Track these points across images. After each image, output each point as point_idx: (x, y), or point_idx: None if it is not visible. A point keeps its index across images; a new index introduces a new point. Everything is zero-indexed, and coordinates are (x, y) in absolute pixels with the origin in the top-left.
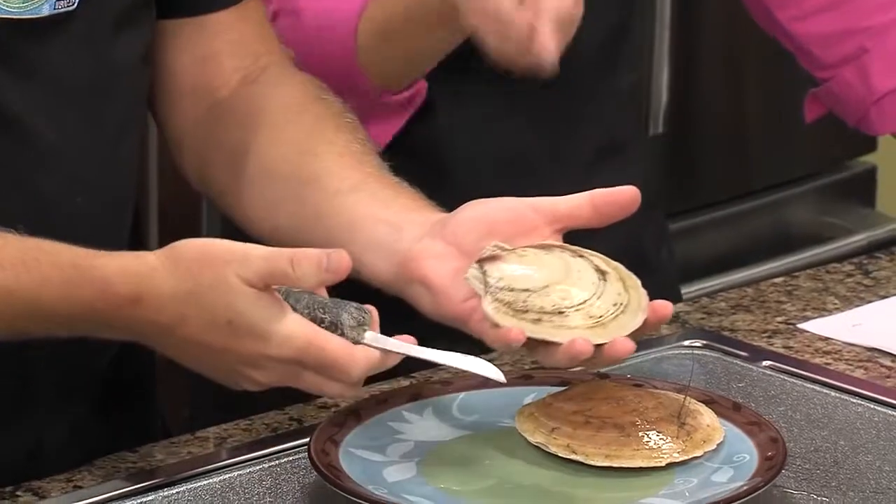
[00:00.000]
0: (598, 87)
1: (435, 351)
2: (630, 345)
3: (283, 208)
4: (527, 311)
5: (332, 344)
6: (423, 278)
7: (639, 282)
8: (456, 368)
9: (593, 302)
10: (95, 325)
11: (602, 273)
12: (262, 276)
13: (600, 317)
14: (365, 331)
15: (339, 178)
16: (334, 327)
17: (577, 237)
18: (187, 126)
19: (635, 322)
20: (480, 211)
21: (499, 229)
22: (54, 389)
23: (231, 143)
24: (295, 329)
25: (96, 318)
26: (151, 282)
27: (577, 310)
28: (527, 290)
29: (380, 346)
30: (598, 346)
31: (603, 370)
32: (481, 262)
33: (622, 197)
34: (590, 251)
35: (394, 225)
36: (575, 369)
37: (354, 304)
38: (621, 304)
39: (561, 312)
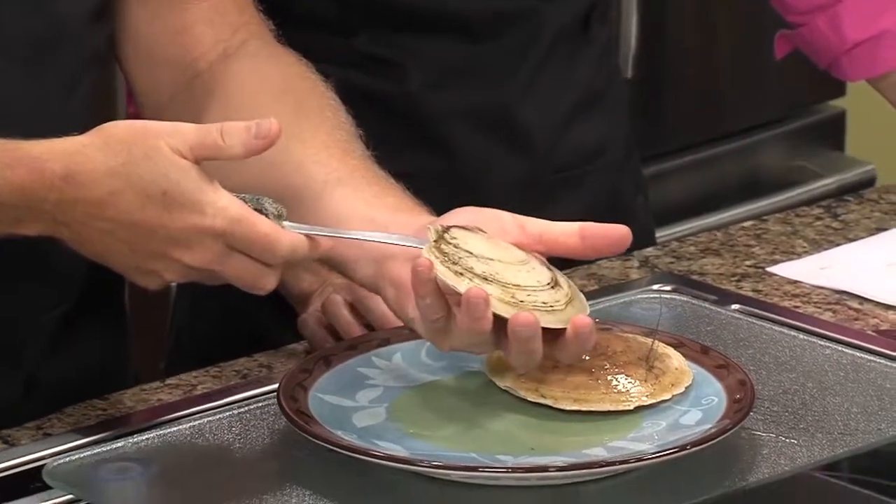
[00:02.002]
0: (572, 45)
1: (357, 232)
2: (532, 319)
3: (264, 192)
4: (456, 264)
5: (262, 220)
6: (394, 279)
7: (587, 310)
8: (379, 243)
9: (525, 290)
10: (23, 211)
11: (555, 283)
12: (193, 147)
13: (522, 301)
14: (285, 220)
15: (326, 170)
16: (258, 213)
17: (559, 186)
18: (164, 99)
19: (552, 322)
20: (469, 219)
21: None
22: (10, 340)
23: (211, 121)
24: (229, 202)
25: (25, 202)
26: (82, 157)
27: (503, 286)
28: (469, 252)
29: (303, 231)
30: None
31: None
32: (452, 226)
33: (613, 234)
34: (564, 275)
35: (380, 225)
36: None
37: (271, 198)
38: (551, 307)
39: (486, 279)
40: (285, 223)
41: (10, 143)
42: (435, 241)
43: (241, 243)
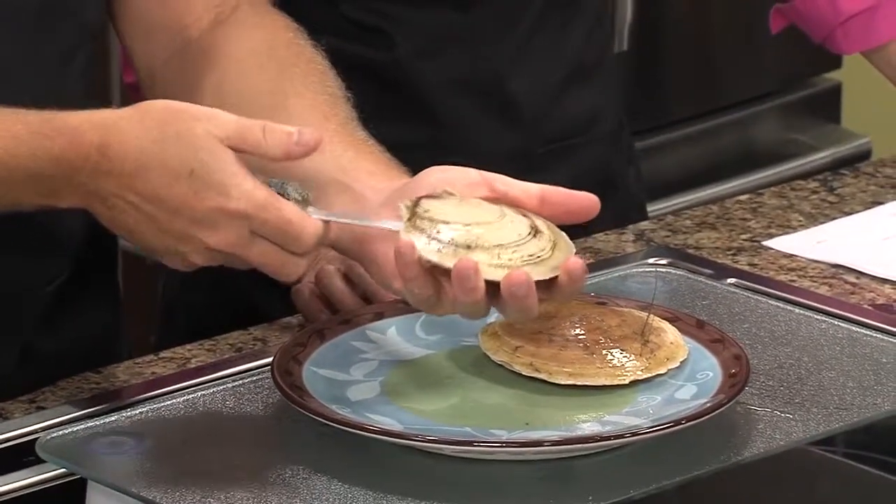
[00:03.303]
0: (563, 14)
1: (379, 220)
2: (524, 277)
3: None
4: (436, 239)
5: (288, 206)
6: (374, 256)
7: (573, 249)
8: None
9: (509, 248)
10: (60, 182)
11: (536, 230)
12: (232, 137)
13: (509, 260)
14: (310, 205)
15: None
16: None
17: (549, 158)
18: (158, 64)
19: (543, 273)
20: (438, 179)
21: None
22: (8, 310)
23: (202, 88)
24: (256, 187)
25: (62, 172)
26: (117, 128)
27: (486, 250)
28: (445, 221)
29: (326, 217)
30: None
31: None
32: (421, 198)
33: (577, 202)
34: (541, 218)
35: (356, 195)
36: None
37: (296, 182)
38: (538, 257)
39: (469, 247)
40: (310, 209)
41: (46, 113)
42: (409, 218)
43: (265, 229)
